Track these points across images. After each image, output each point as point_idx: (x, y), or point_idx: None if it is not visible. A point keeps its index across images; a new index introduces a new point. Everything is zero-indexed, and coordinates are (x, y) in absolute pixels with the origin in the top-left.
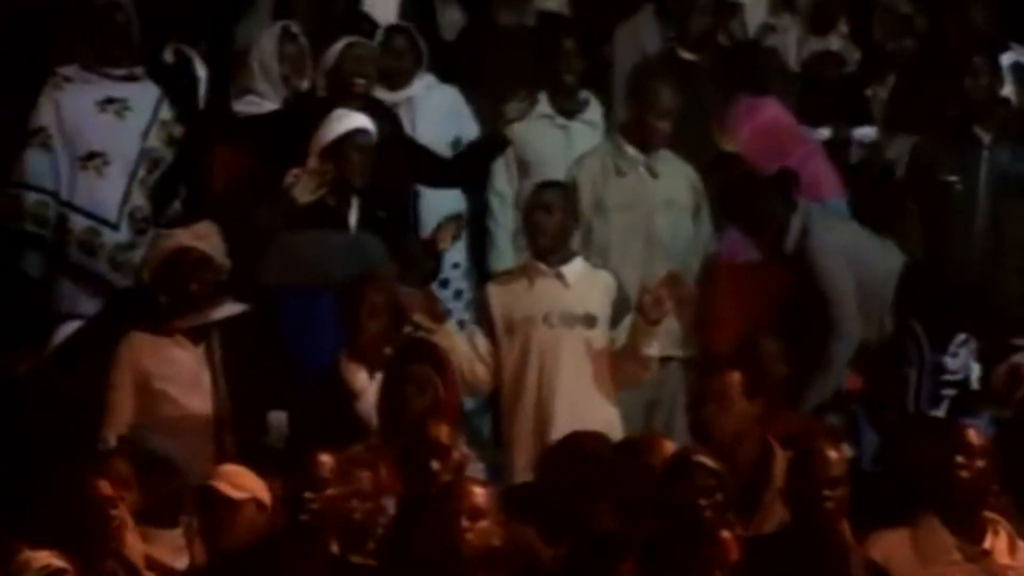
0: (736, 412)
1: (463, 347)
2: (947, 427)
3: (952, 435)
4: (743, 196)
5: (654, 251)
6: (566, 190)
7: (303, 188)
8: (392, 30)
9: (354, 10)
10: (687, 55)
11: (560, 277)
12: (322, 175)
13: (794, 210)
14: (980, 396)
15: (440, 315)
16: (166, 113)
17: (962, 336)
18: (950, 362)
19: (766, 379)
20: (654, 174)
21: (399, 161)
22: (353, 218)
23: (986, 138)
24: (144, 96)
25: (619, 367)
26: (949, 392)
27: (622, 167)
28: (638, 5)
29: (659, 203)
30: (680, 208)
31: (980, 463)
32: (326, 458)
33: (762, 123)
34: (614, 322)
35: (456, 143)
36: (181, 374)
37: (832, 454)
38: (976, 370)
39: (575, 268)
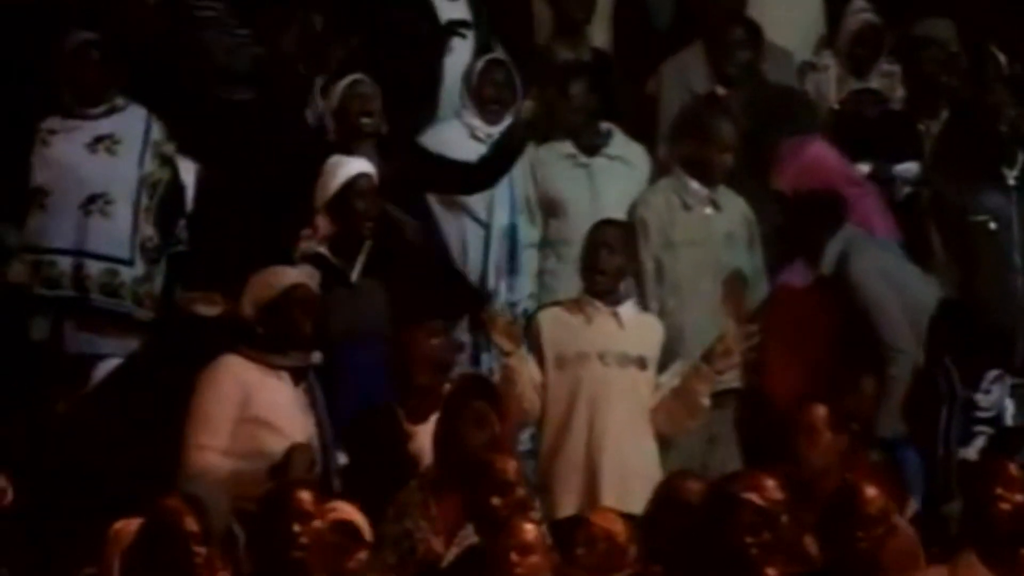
0: (823, 446)
1: (528, 374)
2: (986, 460)
3: (992, 468)
4: (788, 217)
5: (722, 285)
6: (627, 229)
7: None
8: (492, 62)
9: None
10: (721, 90)
11: (616, 316)
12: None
13: (833, 233)
14: (1018, 433)
15: (518, 338)
16: (157, 133)
17: (995, 372)
18: (982, 399)
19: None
20: (718, 208)
21: (421, 180)
22: (356, 270)
23: (1010, 176)
24: (132, 124)
25: (668, 413)
26: (982, 429)
27: (688, 202)
28: (685, 41)
29: (722, 237)
30: (739, 241)
31: (1021, 497)
32: (306, 494)
33: (807, 161)
34: (661, 367)
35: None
36: (286, 409)
37: (871, 492)
38: (1011, 407)
39: (628, 310)
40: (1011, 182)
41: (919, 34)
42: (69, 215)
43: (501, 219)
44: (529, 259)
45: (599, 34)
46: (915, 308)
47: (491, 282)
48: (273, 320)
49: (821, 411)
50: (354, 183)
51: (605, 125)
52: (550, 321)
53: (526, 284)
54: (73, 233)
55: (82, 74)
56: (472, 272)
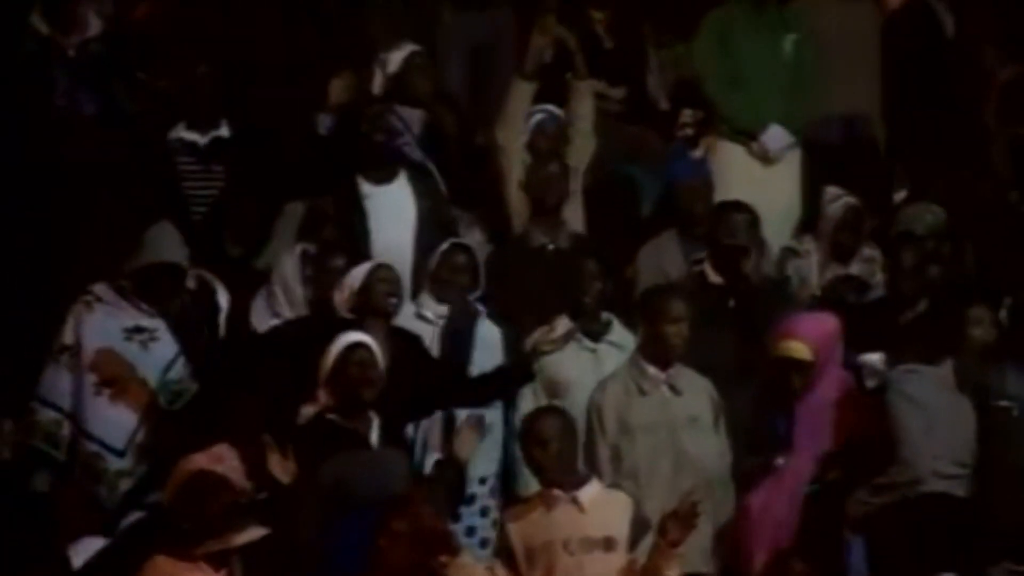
0: None
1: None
2: None
3: None
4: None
5: (682, 470)
6: (562, 416)
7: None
8: (455, 246)
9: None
10: (715, 278)
11: (576, 502)
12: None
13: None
14: None
15: (454, 549)
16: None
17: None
18: None
19: None
20: (676, 391)
21: (419, 380)
22: (375, 435)
23: None
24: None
25: None
26: None
27: (644, 387)
28: (660, 227)
29: (684, 421)
30: (704, 424)
31: None
32: None
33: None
34: (633, 542)
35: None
36: None
37: None
38: None
39: (590, 491)
40: None
41: (902, 229)
42: (80, 386)
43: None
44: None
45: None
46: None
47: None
48: (183, 508)
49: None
50: (351, 352)
51: (605, 314)
52: (514, 522)
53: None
54: (79, 405)
55: (149, 283)
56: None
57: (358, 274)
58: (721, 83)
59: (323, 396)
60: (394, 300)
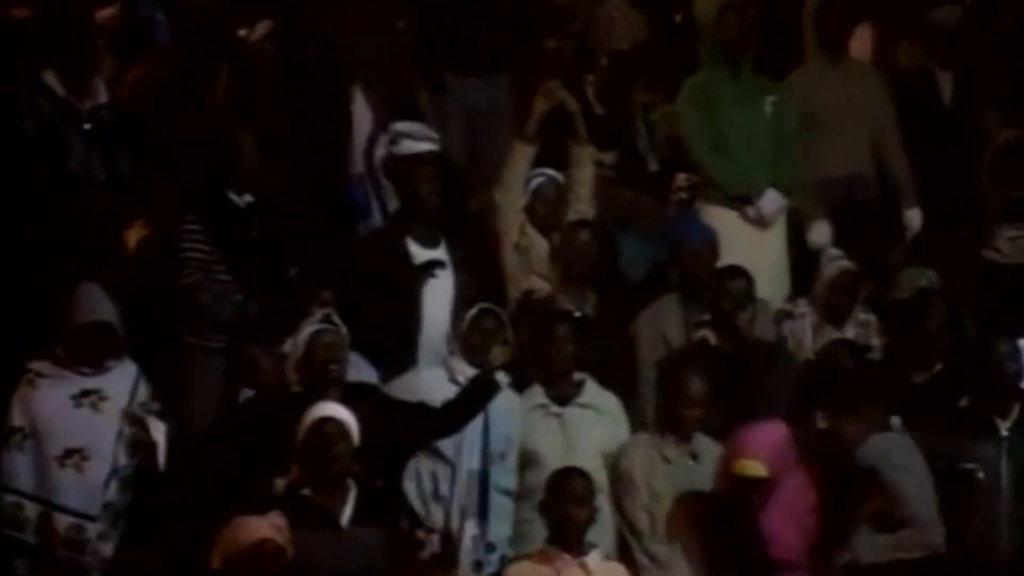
0: None
1: None
2: None
3: None
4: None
5: None
6: (590, 480)
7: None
8: (484, 311)
9: None
10: (716, 342)
11: (584, 567)
12: None
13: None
14: None
15: None
16: (143, 394)
17: None
18: None
19: None
20: (696, 458)
21: (390, 428)
22: (349, 508)
23: (1003, 427)
24: (120, 381)
25: None
26: None
27: (668, 455)
28: (658, 291)
29: (705, 487)
30: None
31: None
32: None
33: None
34: None
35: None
36: None
37: None
38: None
39: (596, 558)
40: (1004, 432)
41: (904, 296)
42: (42, 463)
43: (471, 463)
44: (505, 505)
45: None
46: None
47: (455, 522)
48: (240, 573)
49: None
50: (321, 426)
51: (578, 375)
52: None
53: (503, 529)
54: (44, 483)
55: (89, 347)
56: (437, 512)
57: (299, 343)
58: (707, 149)
59: (295, 470)
60: (335, 367)
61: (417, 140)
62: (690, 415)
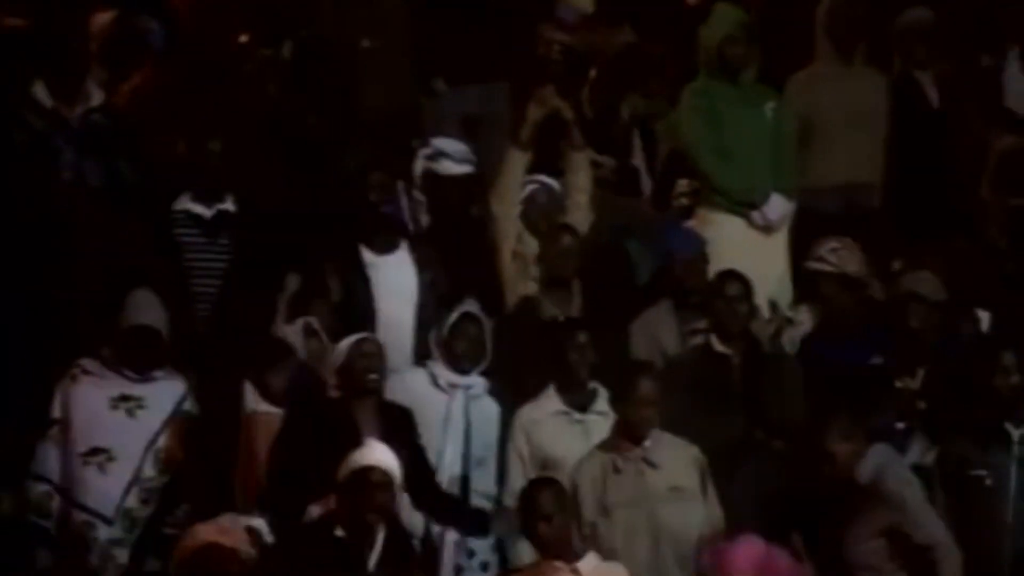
0: None
1: None
2: None
3: None
4: None
5: (662, 544)
6: (558, 486)
7: None
8: (465, 316)
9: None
10: (720, 347)
11: (576, 573)
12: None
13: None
14: None
15: None
16: (190, 407)
17: None
18: None
19: None
20: (652, 465)
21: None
22: (374, 557)
23: (1016, 434)
24: (163, 394)
25: None
26: None
27: (619, 464)
28: (655, 297)
29: (663, 493)
30: (688, 493)
31: None
32: None
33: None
34: None
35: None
36: None
37: None
38: None
39: (590, 563)
40: (1015, 439)
41: (904, 291)
42: (68, 457)
43: (453, 468)
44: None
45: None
46: None
47: (434, 528)
48: None
49: None
50: (365, 474)
51: (592, 384)
52: None
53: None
54: (67, 476)
55: (136, 351)
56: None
57: (341, 350)
58: (711, 156)
59: (331, 503)
60: (374, 377)
61: (457, 162)
62: (640, 416)
